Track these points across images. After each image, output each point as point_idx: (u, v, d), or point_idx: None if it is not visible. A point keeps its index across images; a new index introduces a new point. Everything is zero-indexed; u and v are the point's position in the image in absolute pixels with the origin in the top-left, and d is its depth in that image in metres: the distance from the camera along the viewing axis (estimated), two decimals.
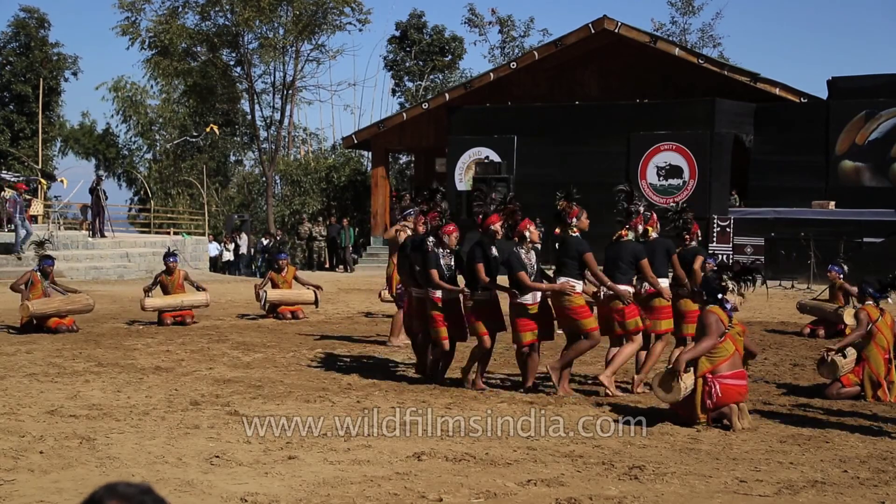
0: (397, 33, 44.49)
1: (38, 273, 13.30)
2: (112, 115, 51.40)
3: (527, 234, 8.94)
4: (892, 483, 6.19)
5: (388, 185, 31.10)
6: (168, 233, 31.82)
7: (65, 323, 12.94)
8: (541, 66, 28.53)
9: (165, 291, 14.39)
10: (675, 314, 9.38)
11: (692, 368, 7.61)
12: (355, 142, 32.14)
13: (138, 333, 13.08)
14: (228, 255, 31.04)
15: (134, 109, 46.01)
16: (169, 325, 13.89)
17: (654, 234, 9.47)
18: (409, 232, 11.00)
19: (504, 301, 9.18)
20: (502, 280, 9.05)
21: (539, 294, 8.89)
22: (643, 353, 9.27)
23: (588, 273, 8.93)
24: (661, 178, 24.98)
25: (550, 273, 9.11)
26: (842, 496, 5.86)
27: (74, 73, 44.53)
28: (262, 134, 40.28)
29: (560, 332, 9.21)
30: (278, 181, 39.68)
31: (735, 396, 7.61)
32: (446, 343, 9.24)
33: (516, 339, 8.93)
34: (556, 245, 9.27)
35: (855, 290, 11.17)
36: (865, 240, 22.68)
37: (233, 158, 46.66)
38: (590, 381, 9.59)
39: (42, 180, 31.78)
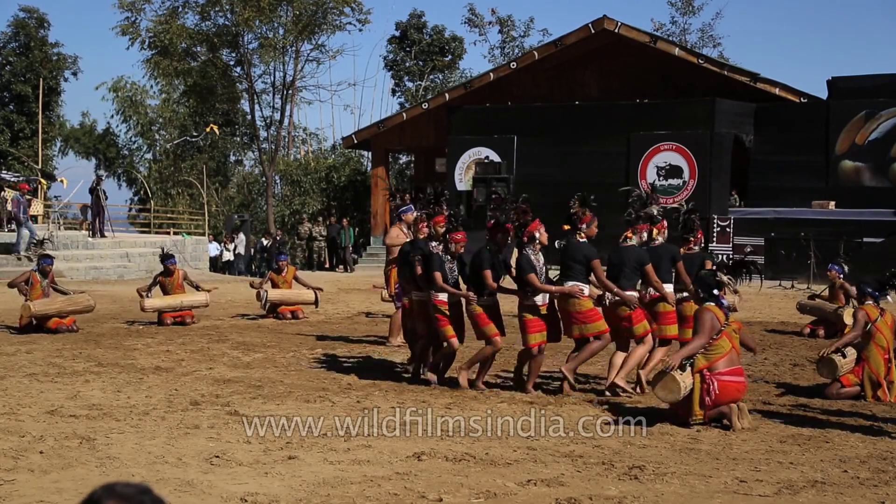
0: (397, 33, 44.50)
1: (38, 273, 13.32)
2: (112, 115, 51.37)
3: (537, 234, 8.95)
4: (892, 483, 6.19)
5: (389, 185, 31.05)
6: (168, 233, 31.82)
7: (65, 323, 12.95)
8: (541, 66, 28.53)
9: (165, 292, 14.41)
10: (680, 319, 9.38)
11: (690, 367, 7.61)
12: (355, 142, 32.15)
13: (138, 333, 13.08)
14: (228, 255, 31.04)
15: (134, 109, 46.01)
16: (169, 325, 13.90)
17: (659, 240, 9.47)
18: (406, 230, 11.00)
19: (503, 302, 9.18)
20: (505, 282, 9.05)
21: (547, 295, 8.91)
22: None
23: (593, 278, 8.94)
24: (661, 178, 24.97)
25: (552, 275, 9.11)
26: (842, 496, 5.86)
27: (74, 73, 44.62)
28: (262, 134, 40.31)
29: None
30: (278, 181, 39.70)
31: (733, 393, 7.62)
32: (455, 340, 9.19)
33: (526, 340, 8.90)
34: (558, 245, 9.27)
35: (854, 290, 11.17)
36: (865, 240, 22.70)
37: (233, 158, 46.71)
38: (592, 382, 9.59)
39: (42, 180, 31.78)
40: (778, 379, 10.09)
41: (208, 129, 37.68)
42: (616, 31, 26.88)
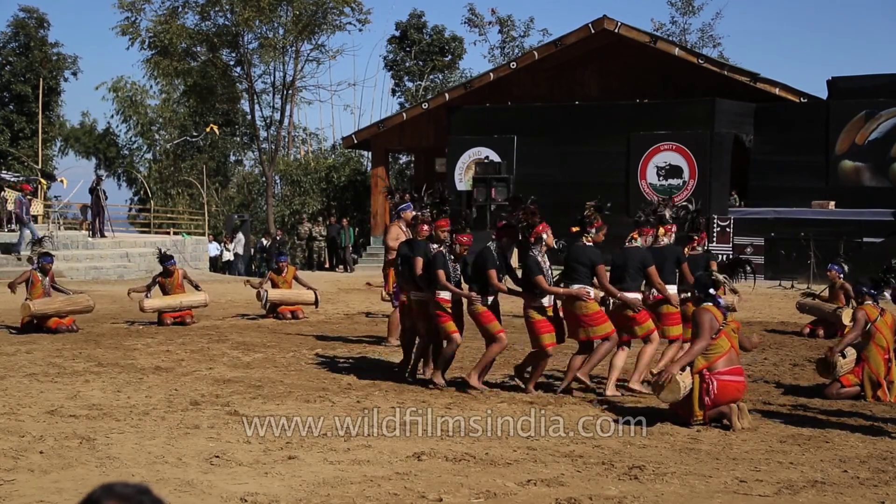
0: (397, 33, 44.50)
1: (38, 272, 13.31)
2: (112, 115, 51.33)
3: (544, 236, 8.95)
4: (892, 483, 6.19)
5: (388, 184, 31.03)
6: (168, 233, 31.80)
7: (65, 323, 12.95)
8: (541, 66, 28.53)
9: (165, 292, 14.41)
10: (684, 320, 9.38)
11: (689, 367, 7.62)
12: (355, 142, 32.15)
13: (138, 333, 13.08)
14: (228, 256, 31.03)
15: (134, 109, 45.98)
16: (169, 325, 13.90)
17: (664, 241, 9.47)
18: (405, 228, 10.98)
19: (504, 302, 9.17)
20: (506, 282, 9.05)
21: (553, 297, 8.92)
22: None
23: (596, 281, 8.96)
24: (661, 178, 24.98)
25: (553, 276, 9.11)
26: (842, 496, 5.87)
27: (74, 73, 44.58)
28: (262, 134, 40.29)
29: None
30: (278, 181, 39.69)
31: (733, 392, 7.62)
32: (457, 336, 9.16)
33: (539, 342, 8.87)
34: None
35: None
36: (865, 240, 22.70)
37: (233, 158, 46.68)
38: (592, 382, 9.58)
39: (42, 180, 31.76)
40: (778, 379, 10.09)
41: (208, 129, 37.67)
42: (616, 31, 26.88)
